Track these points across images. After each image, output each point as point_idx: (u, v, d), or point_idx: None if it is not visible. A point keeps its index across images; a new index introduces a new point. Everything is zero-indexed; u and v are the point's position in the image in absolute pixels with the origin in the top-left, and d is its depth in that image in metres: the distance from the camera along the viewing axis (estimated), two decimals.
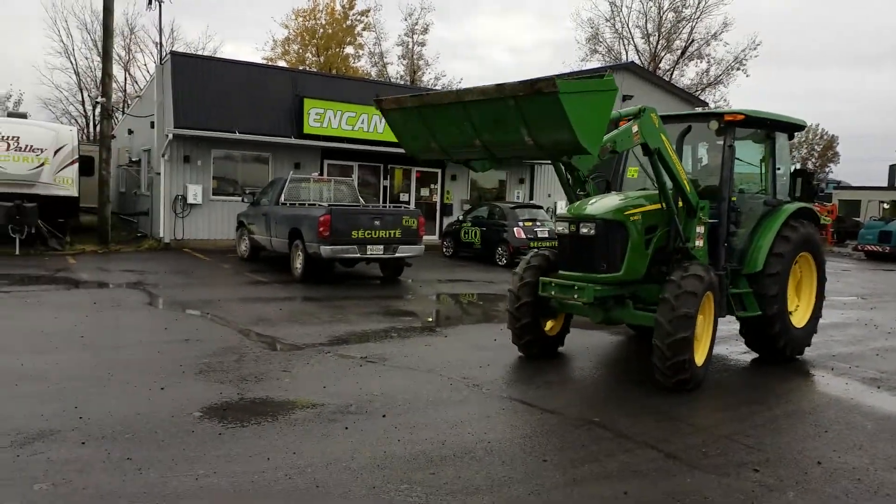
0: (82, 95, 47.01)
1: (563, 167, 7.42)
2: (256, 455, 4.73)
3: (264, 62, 43.81)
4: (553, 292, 7.22)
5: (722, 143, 7.72)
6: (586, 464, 4.86)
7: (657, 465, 4.91)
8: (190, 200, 18.65)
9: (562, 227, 7.27)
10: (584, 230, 6.96)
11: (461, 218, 19.92)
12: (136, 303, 10.77)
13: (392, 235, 13.43)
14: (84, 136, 44.34)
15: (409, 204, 22.58)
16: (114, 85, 24.06)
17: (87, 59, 46.28)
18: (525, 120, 5.20)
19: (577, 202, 7.43)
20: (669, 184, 6.94)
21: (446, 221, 22.37)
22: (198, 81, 18.52)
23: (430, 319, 10.96)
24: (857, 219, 35.04)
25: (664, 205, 6.96)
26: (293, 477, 4.41)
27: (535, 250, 8.05)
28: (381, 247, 13.33)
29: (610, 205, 7.09)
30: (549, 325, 8.00)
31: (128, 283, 12.60)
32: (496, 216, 18.26)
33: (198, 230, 19.04)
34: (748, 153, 8.18)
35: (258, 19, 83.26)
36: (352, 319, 9.93)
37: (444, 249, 19.92)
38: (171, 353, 7.59)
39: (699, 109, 8.66)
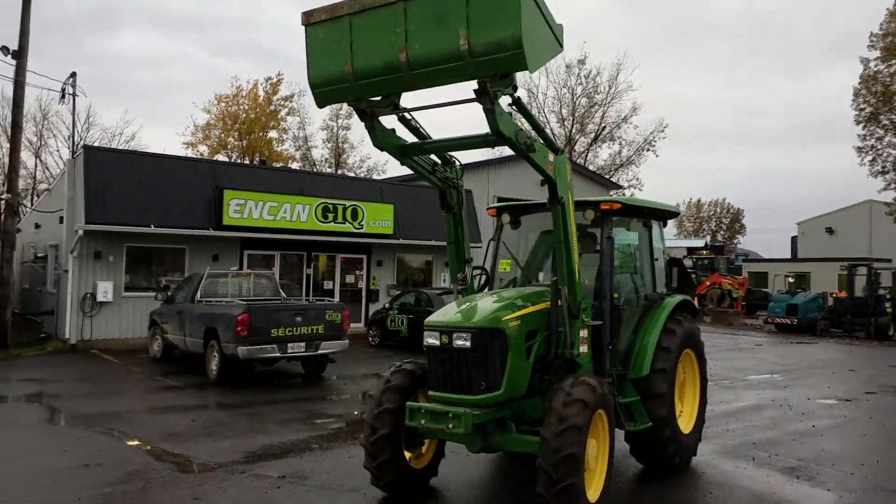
0: None
1: (452, 223, 6.90)
2: None
3: (182, 154, 43.22)
4: (423, 421, 5.99)
5: (598, 233, 7.18)
6: None
7: None
8: (100, 298, 17.74)
9: (432, 339, 6.17)
10: (458, 342, 5.97)
11: (387, 306, 19.69)
12: (33, 420, 9.98)
13: (315, 331, 13.07)
14: None
15: (333, 291, 22.26)
16: (22, 173, 23.14)
17: None
18: (469, 14, 4.81)
19: (448, 306, 6.68)
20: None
21: (372, 308, 22.09)
22: (111, 175, 17.97)
23: (357, 414, 10.56)
24: (765, 290, 36.71)
25: (559, 277, 6.18)
26: None
27: (398, 365, 6.74)
28: (303, 344, 12.92)
29: (486, 309, 6.24)
30: (416, 455, 6.76)
31: (27, 395, 11.73)
32: (423, 303, 18.12)
33: (108, 329, 18.07)
34: (622, 242, 7.68)
35: (179, 104, 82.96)
36: (270, 429, 9.45)
37: (371, 339, 19.58)
38: (69, 482, 6.99)
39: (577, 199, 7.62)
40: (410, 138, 6.25)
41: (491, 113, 5.12)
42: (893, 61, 35.81)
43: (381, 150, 6.04)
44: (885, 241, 44.38)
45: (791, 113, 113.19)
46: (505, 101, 5.41)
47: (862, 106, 37.32)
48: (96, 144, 36.15)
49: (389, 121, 6.03)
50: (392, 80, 5.29)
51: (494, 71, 4.95)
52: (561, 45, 5.47)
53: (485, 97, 5.05)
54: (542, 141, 5.90)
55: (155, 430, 9.22)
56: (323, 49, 5.51)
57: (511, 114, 5.53)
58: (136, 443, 8.58)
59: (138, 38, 72.27)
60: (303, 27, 5.59)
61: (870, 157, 37.60)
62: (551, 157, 5.94)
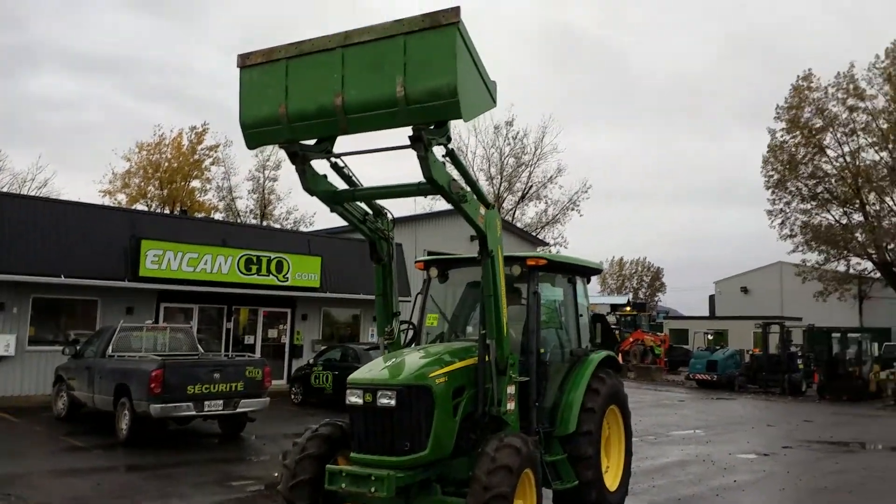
0: None
1: (381, 275, 6.74)
2: None
3: (101, 198, 41.80)
4: (343, 485, 5.75)
5: (524, 288, 7.27)
6: None
7: None
8: (0, 352, 16.58)
9: (355, 398, 5.97)
10: (382, 401, 5.80)
11: (312, 361, 19.08)
12: None
13: (234, 388, 12.47)
14: None
15: (255, 347, 21.51)
16: None
17: None
18: (406, 62, 4.87)
19: (373, 363, 6.56)
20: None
21: (296, 364, 21.41)
22: (20, 222, 16.99)
23: (275, 476, 10.05)
24: (686, 346, 37.78)
25: (488, 331, 6.10)
26: None
27: (314, 429, 6.37)
28: (221, 402, 12.26)
29: (412, 365, 6.11)
30: None
31: None
32: (349, 358, 17.61)
33: (7, 386, 16.76)
34: (547, 298, 7.73)
35: (95, 150, 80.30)
36: (184, 492, 8.88)
37: (293, 396, 18.85)
38: None
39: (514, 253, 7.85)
40: (342, 185, 6.15)
41: (425, 160, 5.13)
42: (797, 133, 38.33)
43: (311, 195, 5.92)
44: (795, 300, 46.65)
45: (707, 174, 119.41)
46: (439, 152, 5.42)
47: (770, 173, 39.60)
48: (5, 190, 34.52)
49: (321, 167, 5.95)
50: (326, 123, 5.27)
51: (429, 118, 5.01)
52: (494, 101, 5.55)
53: (419, 144, 5.07)
54: (474, 194, 5.93)
55: (57, 495, 8.56)
56: (256, 91, 5.49)
57: (444, 164, 5.54)
58: None
59: (52, 78, 70.09)
60: (237, 70, 5.54)
61: (779, 221, 39.71)
62: (482, 210, 5.97)
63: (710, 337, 34.41)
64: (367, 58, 5.07)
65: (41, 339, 17.60)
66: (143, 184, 45.98)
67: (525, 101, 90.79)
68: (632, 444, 8.41)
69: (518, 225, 44.38)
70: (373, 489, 5.56)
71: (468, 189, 5.82)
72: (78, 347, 14.68)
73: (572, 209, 51.13)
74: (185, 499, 8.55)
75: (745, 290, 53.77)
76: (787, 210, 39.56)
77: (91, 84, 73.74)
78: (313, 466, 5.99)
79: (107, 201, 43.62)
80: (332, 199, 6.04)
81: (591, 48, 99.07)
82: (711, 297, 58.60)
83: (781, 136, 39.00)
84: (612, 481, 7.76)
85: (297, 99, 5.30)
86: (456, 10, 4.74)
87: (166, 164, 45.99)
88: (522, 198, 51.18)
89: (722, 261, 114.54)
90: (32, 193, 37.81)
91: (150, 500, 8.43)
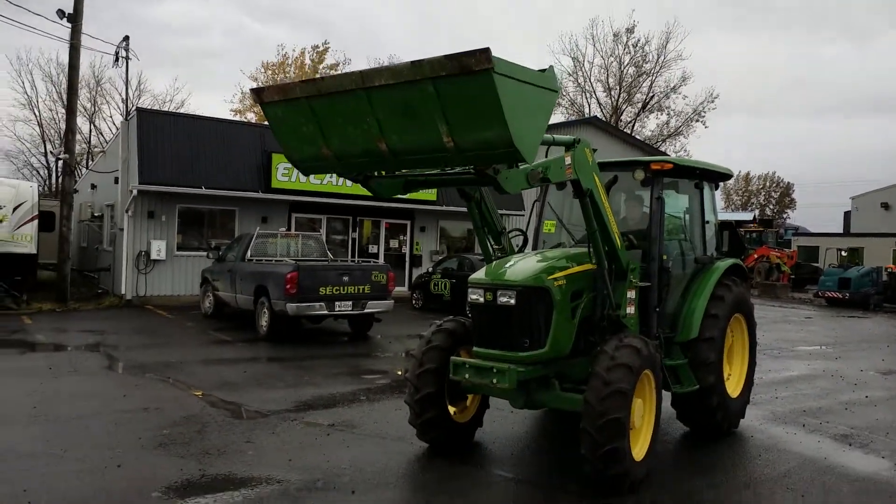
0: (45, 147, 46.39)
1: (476, 210, 6.60)
2: None
3: (232, 117, 43.82)
4: (467, 376, 6.06)
5: (648, 193, 7.05)
6: None
7: None
8: (153, 256, 18.29)
9: (476, 296, 6.16)
10: (502, 299, 5.95)
11: (430, 270, 19.85)
12: (94, 367, 10.38)
13: (361, 291, 13.26)
14: (45, 188, 43.56)
15: (378, 256, 22.47)
16: (78, 138, 23.70)
17: (51, 110, 45.77)
18: (445, 111, 4.24)
19: (493, 264, 6.60)
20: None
21: (416, 273, 22.26)
22: (164, 137, 18.37)
23: (400, 374, 10.74)
24: (815, 264, 35.79)
25: (597, 261, 6.08)
26: None
27: (438, 324, 6.71)
28: (350, 303, 13.14)
29: (530, 268, 6.14)
30: (461, 409, 6.77)
31: (86, 344, 12.18)
32: (466, 268, 18.19)
33: (161, 286, 18.63)
34: (672, 205, 7.44)
35: (227, 71, 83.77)
36: (318, 381, 9.68)
37: (414, 302, 19.76)
38: (130, 424, 7.27)
39: (626, 158, 7.47)
40: None
41: (498, 184, 4.81)
42: None
43: (384, 196, 5.75)
44: None
45: (846, 84, 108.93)
46: None
47: None
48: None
49: None
50: (376, 161, 4.93)
51: (489, 163, 4.56)
52: (555, 90, 4.83)
53: (486, 177, 4.76)
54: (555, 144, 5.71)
55: (208, 380, 9.52)
56: (290, 130, 5.12)
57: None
58: (190, 390, 8.88)
59: (176, 4, 73.00)
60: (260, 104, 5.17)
61: None
62: (568, 159, 5.51)
63: (843, 254, 32.28)
64: (396, 102, 4.46)
65: (187, 245, 19.24)
66: None
67: (650, 5, 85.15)
68: (756, 353, 8.25)
69: (637, 137, 42.80)
70: (494, 381, 5.80)
71: (545, 163, 5.28)
72: (220, 252, 15.95)
73: (696, 121, 48.72)
74: (321, 387, 9.31)
75: (885, 205, 49.64)
76: None
77: (214, 8, 76.21)
78: (439, 357, 6.35)
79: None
80: (406, 189, 5.72)
81: None
82: (846, 214, 54.63)
83: None
84: (733, 389, 7.71)
85: (336, 142, 4.91)
86: (486, 52, 3.97)
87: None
88: (643, 109, 49.12)
89: (860, 178, 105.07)
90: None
91: (289, 387, 9.24)
